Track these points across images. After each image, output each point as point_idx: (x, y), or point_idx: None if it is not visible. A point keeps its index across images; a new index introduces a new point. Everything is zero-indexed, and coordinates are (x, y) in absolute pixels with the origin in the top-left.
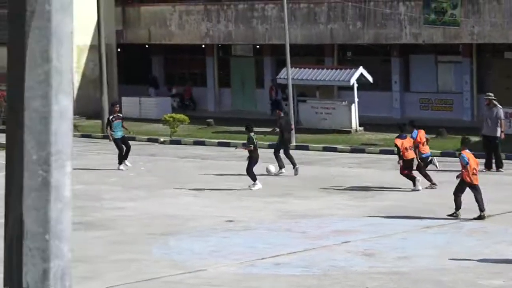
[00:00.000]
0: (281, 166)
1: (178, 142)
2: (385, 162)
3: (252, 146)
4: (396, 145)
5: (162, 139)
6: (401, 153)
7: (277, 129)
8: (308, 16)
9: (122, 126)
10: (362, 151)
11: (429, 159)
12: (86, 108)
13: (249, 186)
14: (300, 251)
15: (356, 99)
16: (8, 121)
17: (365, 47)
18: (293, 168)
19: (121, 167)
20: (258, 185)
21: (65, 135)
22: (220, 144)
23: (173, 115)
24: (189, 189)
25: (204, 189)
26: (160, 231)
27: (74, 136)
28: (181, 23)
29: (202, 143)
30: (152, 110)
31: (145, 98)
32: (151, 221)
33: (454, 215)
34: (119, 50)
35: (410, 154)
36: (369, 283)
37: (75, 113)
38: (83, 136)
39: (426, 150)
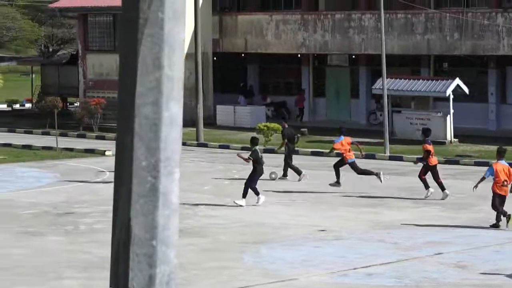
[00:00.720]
0: (299, 172)
1: (271, 151)
2: (480, 174)
3: (251, 159)
4: (428, 151)
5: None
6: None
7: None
8: (405, 26)
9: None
10: (456, 162)
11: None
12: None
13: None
14: (392, 262)
15: (452, 110)
16: (118, 127)
17: (462, 58)
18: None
19: None
20: (262, 198)
21: (174, 142)
22: (313, 154)
23: (267, 124)
24: (282, 198)
25: (296, 198)
26: (252, 240)
27: None
28: (277, 33)
29: (295, 152)
30: (246, 118)
31: (240, 107)
32: (243, 229)
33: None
34: (215, 58)
35: (434, 160)
36: None
37: None
38: None
39: (352, 156)
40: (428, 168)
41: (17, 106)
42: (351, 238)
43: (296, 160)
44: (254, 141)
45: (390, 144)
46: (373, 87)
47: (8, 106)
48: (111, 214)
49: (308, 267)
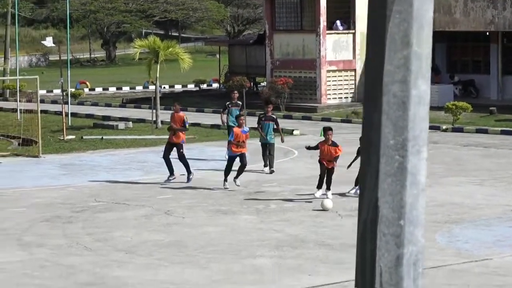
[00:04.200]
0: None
1: (460, 130)
2: None
3: None
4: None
5: (444, 127)
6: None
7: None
8: None
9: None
10: None
11: None
12: None
13: None
14: None
15: None
16: (365, 105)
17: None
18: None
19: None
20: None
21: (422, 121)
22: (503, 132)
23: (456, 102)
24: (473, 178)
25: (487, 177)
26: (444, 219)
27: (355, 122)
28: (466, 10)
29: (484, 131)
30: (434, 97)
31: None
32: (434, 209)
33: None
34: None
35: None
36: None
37: (356, 100)
38: None
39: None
40: None
41: (204, 86)
42: None
43: (484, 139)
44: None
45: None
46: None
47: (195, 86)
48: (300, 193)
49: (502, 247)
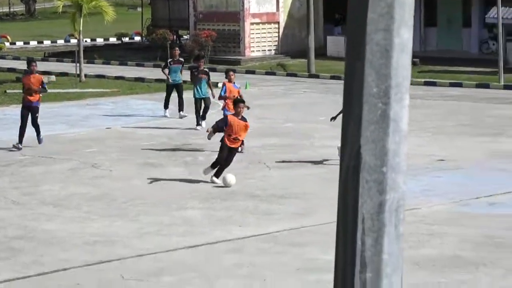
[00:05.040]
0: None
1: None
2: None
3: None
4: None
5: None
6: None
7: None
8: None
9: (181, 72)
10: None
11: None
12: (291, 47)
13: None
14: None
15: None
16: (347, 53)
17: None
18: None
19: (167, 113)
20: None
21: (405, 69)
22: (426, 84)
23: None
24: None
25: (413, 128)
26: None
27: (279, 75)
28: None
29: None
30: None
31: None
32: None
33: None
34: None
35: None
36: None
37: (280, 52)
38: (288, 75)
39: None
40: None
41: (126, 39)
42: (471, 167)
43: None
44: None
45: (504, 74)
46: (486, 16)
47: (117, 39)
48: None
49: (429, 196)
